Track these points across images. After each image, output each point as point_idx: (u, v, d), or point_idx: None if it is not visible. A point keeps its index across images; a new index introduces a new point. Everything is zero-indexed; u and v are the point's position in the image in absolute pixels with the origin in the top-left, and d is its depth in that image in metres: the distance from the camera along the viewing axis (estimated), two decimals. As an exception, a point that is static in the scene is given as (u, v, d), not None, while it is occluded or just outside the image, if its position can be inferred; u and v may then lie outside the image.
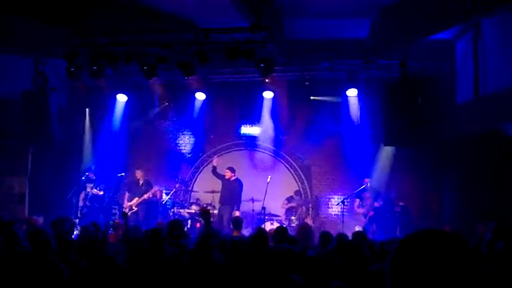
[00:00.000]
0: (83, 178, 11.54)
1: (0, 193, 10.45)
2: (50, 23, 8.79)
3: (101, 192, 11.62)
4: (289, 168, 12.51)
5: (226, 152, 12.75)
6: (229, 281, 4.19)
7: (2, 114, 10.23)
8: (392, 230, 10.37)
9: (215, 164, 11.32)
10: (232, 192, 11.11)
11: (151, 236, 5.35)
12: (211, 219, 11.04)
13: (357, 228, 9.91)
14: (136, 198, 11.37)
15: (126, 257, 4.70)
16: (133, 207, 11.32)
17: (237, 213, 10.83)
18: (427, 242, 1.42)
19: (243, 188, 11.21)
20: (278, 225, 10.68)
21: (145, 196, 11.38)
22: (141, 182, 11.55)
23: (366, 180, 10.98)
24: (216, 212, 11.18)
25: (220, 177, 11.29)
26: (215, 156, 12.14)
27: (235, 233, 8.16)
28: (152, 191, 11.50)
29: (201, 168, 12.70)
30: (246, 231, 9.25)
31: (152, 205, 11.79)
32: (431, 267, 1.36)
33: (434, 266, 1.37)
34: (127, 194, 11.59)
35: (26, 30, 8.88)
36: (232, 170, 11.28)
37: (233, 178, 11.19)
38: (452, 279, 1.36)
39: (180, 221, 7.57)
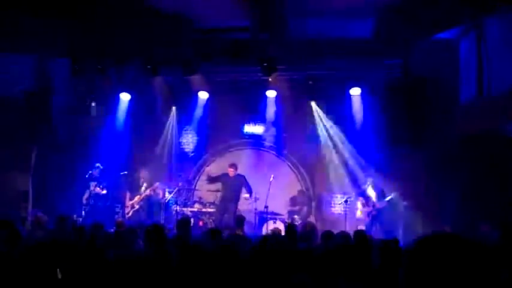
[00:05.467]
0: (87, 176, 11.57)
1: (4, 191, 10.47)
2: (54, 22, 8.81)
3: (104, 191, 11.65)
4: (292, 167, 12.49)
5: (229, 151, 12.75)
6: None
7: (5, 113, 10.25)
8: (395, 229, 10.37)
9: (205, 177, 11.31)
10: (236, 189, 11.06)
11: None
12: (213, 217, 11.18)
13: (360, 228, 9.93)
14: (138, 196, 11.39)
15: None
16: (135, 205, 11.34)
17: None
18: (443, 246, 1.41)
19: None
20: (281, 224, 10.73)
21: (147, 192, 11.39)
22: (142, 181, 11.57)
23: (370, 179, 10.99)
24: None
25: (220, 179, 11.22)
26: (201, 172, 12.22)
27: (238, 232, 8.08)
28: (153, 187, 11.49)
29: (204, 167, 12.69)
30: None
31: (155, 204, 11.81)
32: (447, 271, 1.36)
33: (450, 270, 1.36)
34: (128, 193, 11.59)
35: (29, 29, 8.90)
36: (233, 166, 11.21)
37: (235, 174, 11.15)
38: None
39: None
